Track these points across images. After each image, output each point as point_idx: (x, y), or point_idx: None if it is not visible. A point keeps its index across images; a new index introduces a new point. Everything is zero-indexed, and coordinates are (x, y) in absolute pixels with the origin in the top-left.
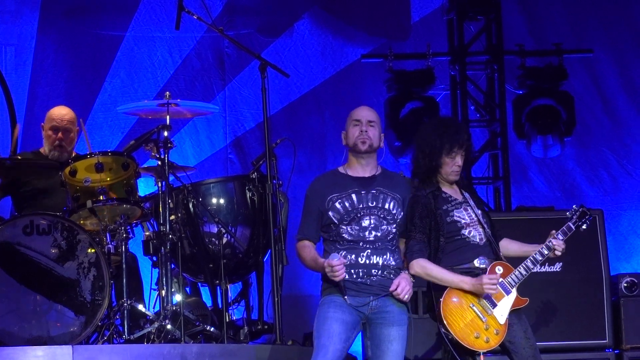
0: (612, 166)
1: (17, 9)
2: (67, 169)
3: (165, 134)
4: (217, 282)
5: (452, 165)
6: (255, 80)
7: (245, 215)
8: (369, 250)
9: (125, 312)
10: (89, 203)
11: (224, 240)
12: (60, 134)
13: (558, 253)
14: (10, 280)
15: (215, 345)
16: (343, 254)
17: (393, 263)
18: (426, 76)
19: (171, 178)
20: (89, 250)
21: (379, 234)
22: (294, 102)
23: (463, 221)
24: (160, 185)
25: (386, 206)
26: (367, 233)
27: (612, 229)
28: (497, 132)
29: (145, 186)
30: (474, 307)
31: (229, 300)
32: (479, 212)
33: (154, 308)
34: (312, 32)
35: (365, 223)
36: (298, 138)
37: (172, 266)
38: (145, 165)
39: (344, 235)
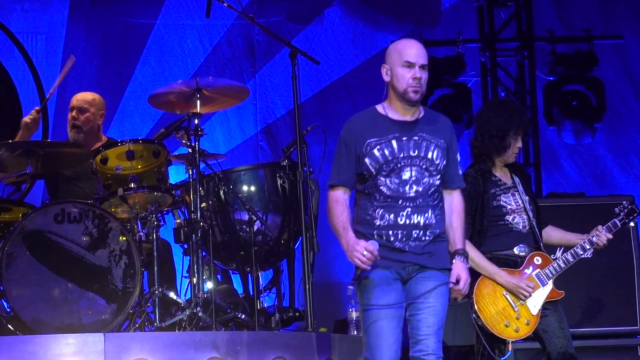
0: None
1: None
2: (99, 157)
3: (196, 121)
4: (248, 269)
5: (514, 147)
6: (285, 68)
7: (276, 203)
8: (409, 209)
9: (157, 299)
10: (120, 191)
11: (255, 227)
12: (74, 113)
13: (599, 247)
14: (41, 268)
15: (246, 333)
16: (380, 212)
17: (434, 221)
18: (456, 63)
19: (202, 165)
20: (120, 238)
21: (420, 189)
22: (324, 89)
23: (509, 207)
24: (191, 172)
25: (429, 155)
26: (407, 188)
27: None
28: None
29: (176, 174)
30: (507, 296)
31: (260, 288)
32: (527, 198)
33: (185, 295)
34: (342, 19)
35: (406, 175)
36: (329, 125)
37: (204, 254)
38: (176, 153)
39: (381, 188)
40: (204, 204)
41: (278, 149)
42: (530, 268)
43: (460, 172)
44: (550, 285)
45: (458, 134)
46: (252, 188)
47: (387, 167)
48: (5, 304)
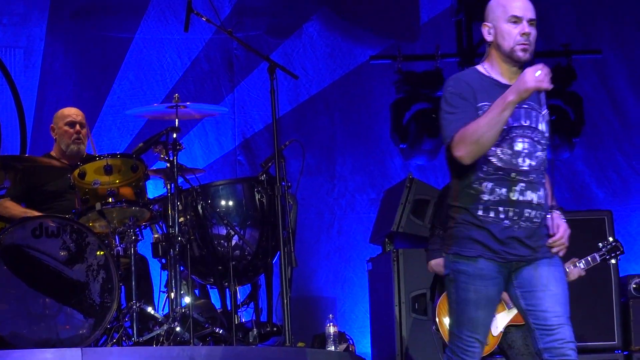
0: (622, 167)
1: (25, 11)
2: (76, 172)
3: (174, 136)
4: (226, 284)
5: None
6: (264, 82)
7: (254, 217)
8: (523, 184)
9: (134, 314)
10: (98, 205)
11: (233, 242)
12: (77, 127)
13: (571, 279)
14: (19, 282)
15: (224, 348)
16: (489, 185)
17: (543, 201)
18: (435, 77)
19: (180, 180)
20: (98, 253)
21: (533, 163)
22: (302, 103)
23: None
24: (169, 187)
25: (540, 127)
26: (520, 160)
27: (621, 230)
28: None
29: (154, 188)
30: None
31: (238, 303)
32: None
33: (163, 310)
34: (321, 34)
35: (519, 147)
36: (307, 140)
37: (181, 268)
38: (154, 168)
39: (491, 159)
40: (182, 219)
41: (256, 163)
42: None
43: None
44: (515, 309)
45: (436, 148)
46: (230, 203)
47: (499, 135)
48: None
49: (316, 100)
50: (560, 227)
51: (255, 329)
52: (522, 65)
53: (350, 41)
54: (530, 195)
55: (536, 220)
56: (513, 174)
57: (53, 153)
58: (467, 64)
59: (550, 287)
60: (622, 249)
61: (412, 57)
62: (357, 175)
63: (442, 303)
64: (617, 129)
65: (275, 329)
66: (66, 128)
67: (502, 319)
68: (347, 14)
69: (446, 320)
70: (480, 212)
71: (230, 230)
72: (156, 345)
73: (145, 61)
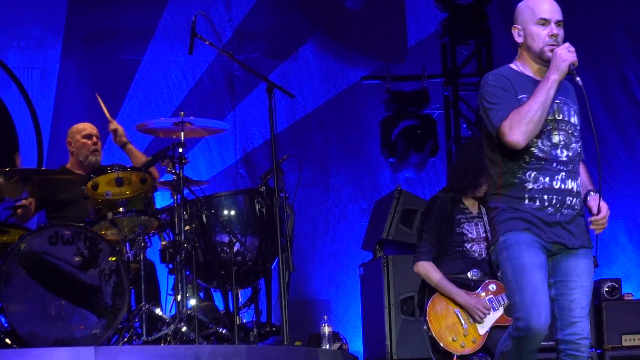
0: (594, 179)
1: (42, 35)
2: (90, 183)
3: (180, 150)
4: (229, 287)
5: (485, 186)
6: (263, 101)
7: (254, 226)
8: (564, 173)
9: (144, 315)
10: (109, 215)
11: (235, 248)
12: (94, 139)
13: None
14: (37, 286)
15: (227, 346)
16: (533, 174)
17: (581, 189)
18: (422, 96)
19: (186, 191)
20: (110, 259)
21: (570, 154)
22: (299, 121)
23: (469, 235)
24: (175, 198)
25: (572, 120)
26: (559, 151)
27: (594, 237)
28: None
29: (162, 199)
30: (459, 314)
31: (240, 305)
32: (489, 228)
33: (170, 312)
34: (316, 56)
35: (556, 139)
36: (303, 154)
37: (187, 273)
38: (161, 180)
39: (532, 149)
40: (187, 227)
41: (256, 176)
42: (484, 293)
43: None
44: (500, 311)
45: (422, 162)
46: (232, 212)
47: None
48: (3, 319)
49: (311, 118)
50: (603, 208)
51: (255, 329)
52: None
53: (343, 63)
54: (571, 184)
55: (576, 207)
56: (555, 164)
57: (68, 166)
58: (451, 84)
59: (583, 279)
60: (596, 263)
61: (400, 77)
62: (350, 187)
63: (432, 305)
64: (590, 144)
65: (274, 329)
66: (84, 141)
67: (488, 320)
68: (340, 37)
69: (435, 321)
70: (526, 202)
71: (232, 238)
72: (164, 344)
73: (153, 81)
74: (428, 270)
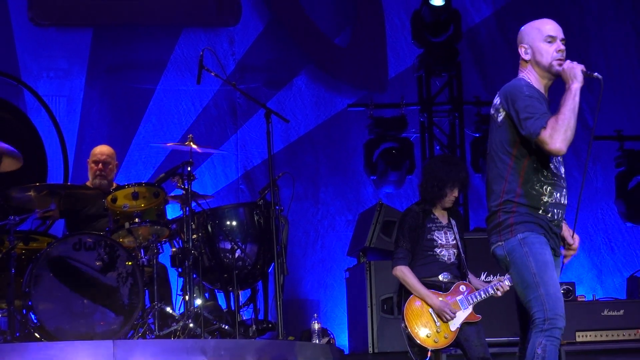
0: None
1: (68, 67)
2: (109, 197)
3: (189, 168)
4: (230, 288)
5: (450, 196)
6: (261, 125)
7: (253, 235)
8: (564, 189)
9: (156, 313)
10: (126, 225)
11: (236, 254)
12: (100, 165)
13: (499, 295)
14: (62, 287)
15: (229, 340)
16: (548, 189)
17: None
18: (400, 122)
19: (193, 204)
20: (127, 263)
21: (564, 170)
22: (292, 142)
23: (439, 241)
24: (184, 210)
25: None
26: (561, 167)
27: None
28: None
29: (172, 211)
30: (432, 313)
31: (240, 304)
32: (458, 237)
33: (179, 310)
34: (308, 86)
35: (560, 157)
36: (296, 172)
37: (194, 276)
38: (172, 194)
39: (551, 165)
40: (195, 236)
41: (255, 191)
42: (456, 294)
43: None
44: (470, 309)
45: (400, 179)
46: (234, 223)
47: None
48: (33, 316)
49: (304, 140)
50: (576, 238)
51: (254, 325)
52: (556, 78)
53: (332, 92)
54: (566, 200)
55: (563, 219)
56: (561, 180)
57: (89, 183)
58: (426, 111)
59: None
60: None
61: (381, 105)
62: (337, 200)
63: (408, 305)
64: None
65: (270, 325)
66: (92, 165)
67: (459, 317)
68: (329, 70)
69: (412, 319)
70: (540, 212)
71: (234, 245)
72: (174, 338)
73: (165, 108)
74: (405, 273)
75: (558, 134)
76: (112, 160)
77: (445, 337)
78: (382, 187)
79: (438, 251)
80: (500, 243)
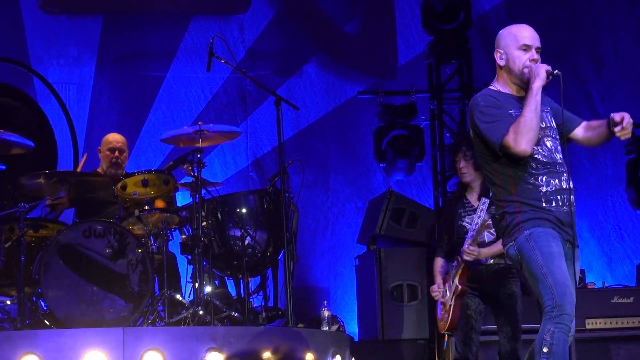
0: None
1: (78, 55)
2: (119, 185)
3: (199, 156)
4: (240, 276)
5: (458, 168)
6: (271, 113)
7: (263, 222)
8: (565, 174)
9: (166, 300)
10: (136, 212)
11: (246, 242)
12: (116, 153)
13: (469, 258)
14: (72, 274)
15: (238, 328)
16: (544, 178)
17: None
18: (410, 109)
19: (203, 192)
20: (137, 250)
21: (561, 156)
22: (302, 130)
23: (468, 226)
24: (194, 197)
25: (552, 124)
26: (556, 155)
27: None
28: None
29: (182, 198)
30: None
31: (250, 291)
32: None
33: (189, 297)
34: (318, 73)
35: (549, 144)
36: (306, 159)
37: (204, 263)
38: (182, 181)
39: (536, 156)
40: (204, 223)
41: (265, 178)
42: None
43: None
44: (453, 284)
45: (409, 166)
46: (244, 210)
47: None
48: (42, 303)
49: (314, 128)
50: (625, 117)
51: (264, 313)
52: (527, 86)
53: (342, 79)
54: (570, 183)
55: (574, 203)
56: (557, 166)
57: (99, 170)
58: (436, 98)
59: (576, 278)
60: None
61: (391, 92)
62: (347, 188)
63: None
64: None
65: (280, 312)
66: (107, 153)
67: (448, 298)
68: (339, 57)
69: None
70: (543, 204)
71: (244, 233)
72: (183, 325)
73: (175, 95)
74: (434, 267)
75: (521, 137)
76: (126, 148)
77: (446, 318)
78: (392, 175)
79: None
80: (511, 243)
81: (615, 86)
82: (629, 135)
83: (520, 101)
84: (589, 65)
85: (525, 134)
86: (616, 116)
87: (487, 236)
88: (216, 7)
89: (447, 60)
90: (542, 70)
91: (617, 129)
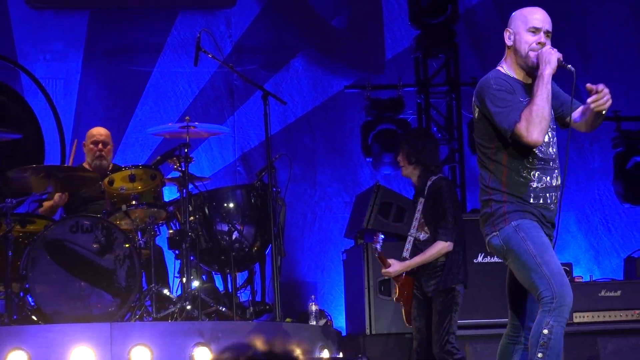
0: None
1: (64, 49)
2: (106, 180)
3: (186, 150)
4: (228, 270)
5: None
6: (258, 107)
7: (250, 217)
8: (556, 170)
9: (153, 295)
10: (123, 207)
11: (233, 236)
12: (100, 146)
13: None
14: (59, 269)
15: (226, 322)
16: (536, 174)
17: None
18: (397, 103)
19: (190, 186)
20: (124, 245)
21: (555, 149)
22: (290, 124)
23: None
24: (181, 192)
25: (552, 114)
26: (551, 149)
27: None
28: (455, 149)
29: (169, 193)
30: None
31: (237, 286)
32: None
33: (176, 292)
34: (305, 68)
35: (546, 138)
36: (293, 154)
37: (191, 258)
38: (169, 176)
39: (535, 151)
40: (192, 218)
41: (252, 173)
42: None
43: None
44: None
45: (396, 161)
46: (231, 205)
47: None
48: (30, 298)
49: (301, 122)
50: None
51: (251, 307)
52: (531, 70)
53: (329, 74)
54: (558, 180)
55: (557, 200)
56: (551, 162)
57: (85, 165)
58: (423, 92)
59: None
60: None
61: (378, 86)
62: (334, 182)
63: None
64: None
65: (267, 307)
66: (91, 146)
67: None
68: (326, 51)
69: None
70: (531, 200)
71: (231, 227)
72: (171, 320)
73: (162, 90)
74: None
75: (533, 126)
76: (109, 141)
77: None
78: (379, 169)
79: None
80: (495, 233)
81: (602, 79)
82: (604, 106)
83: (527, 88)
84: (579, 60)
85: (538, 123)
86: (591, 86)
87: (422, 236)
88: (203, 2)
89: (434, 54)
90: (553, 58)
91: (589, 99)
